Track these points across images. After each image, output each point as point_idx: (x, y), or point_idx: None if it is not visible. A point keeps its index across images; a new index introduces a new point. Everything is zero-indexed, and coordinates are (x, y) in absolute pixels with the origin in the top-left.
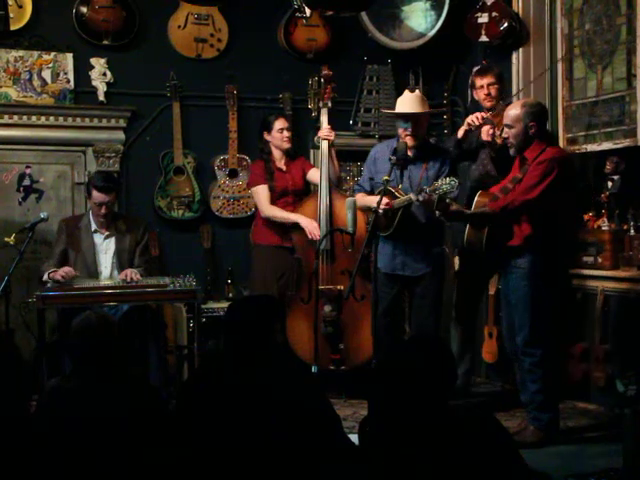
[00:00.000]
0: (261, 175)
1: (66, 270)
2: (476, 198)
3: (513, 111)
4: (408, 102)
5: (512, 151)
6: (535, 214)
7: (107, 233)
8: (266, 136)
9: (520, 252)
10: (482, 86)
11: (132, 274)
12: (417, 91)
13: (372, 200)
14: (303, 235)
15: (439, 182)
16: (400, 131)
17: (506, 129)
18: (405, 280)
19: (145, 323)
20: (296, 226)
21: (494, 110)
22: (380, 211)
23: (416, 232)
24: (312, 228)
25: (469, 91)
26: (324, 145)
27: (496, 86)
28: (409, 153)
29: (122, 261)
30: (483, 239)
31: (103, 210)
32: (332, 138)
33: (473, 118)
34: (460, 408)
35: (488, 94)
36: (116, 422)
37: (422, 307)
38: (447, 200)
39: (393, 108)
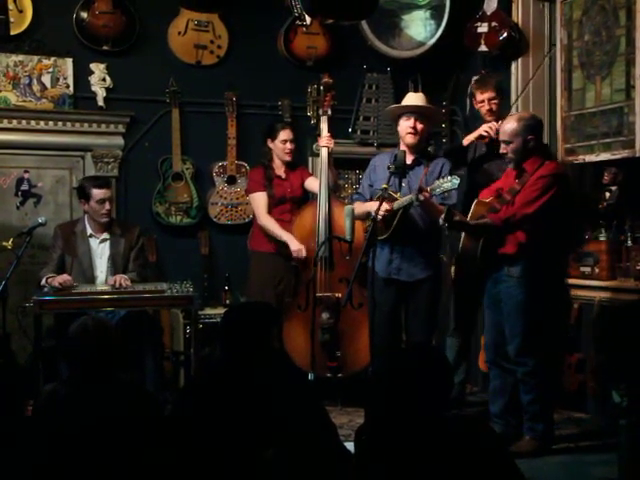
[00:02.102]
0: (260, 182)
1: (65, 278)
2: (473, 207)
3: (509, 126)
4: (414, 98)
5: (511, 165)
6: (531, 225)
7: (102, 237)
8: (269, 143)
9: (513, 261)
10: (483, 101)
11: (121, 280)
12: (420, 92)
13: (371, 206)
14: (301, 241)
15: (440, 181)
16: (402, 129)
17: (504, 145)
18: (401, 285)
19: (142, 328)
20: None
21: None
22: (379, 216)
23: (414, 236)
24: (298, 252)
25: (468, 100)
26: (324, 153)
27: (496, 101)
28: (408, 162)
29: (116, 265)
30: (479, 247)
31: (107, 206)
32: (332, 146)
33: (487, 129)
34: (456, 417)
35: (489, 109)
36: (112, 427)
37: (417, 315)
38: (452, 210)
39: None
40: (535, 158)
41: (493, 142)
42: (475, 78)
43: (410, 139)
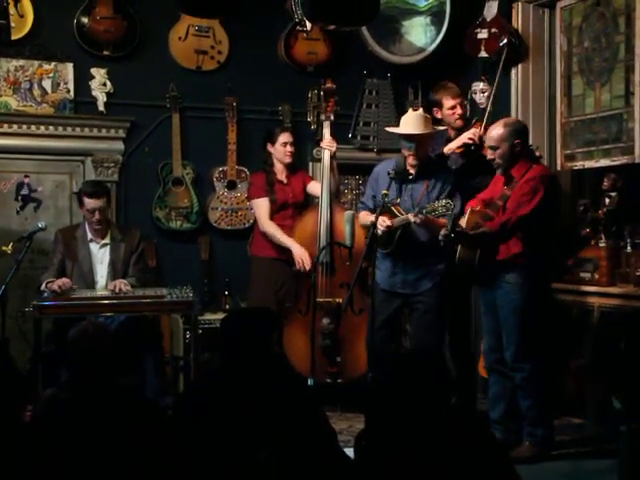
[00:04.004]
0: (262, 187)
1: (64, 281)
2: (466, 216)
3: (496, 131)
4: (412, 122)
5: (499, 171)
6: (524, 230)
7: (102, 242)
8: (269, 148)
9: (508, 267)
10: (454, 106)
11: (121, 285)
12: (420, 110)
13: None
14: (303, 246)
15: (436, 204)
16: (404, 151)
17: (490, 151)
18: (405, 297)
19: (141, 333)
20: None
21: (463, 129)
22: (379, 231)
23: (416, 250)
24: (303, 259)
25: (467, 106)
26: (326, 155)
27: (464, 104)
28: (411, 170)
29: (116, 270)
30: (476, 256)
31: (96, 216)
32: (334, 149)
33: (471, 135)
34: (456, 423)
35: (462, 113)
36: (112, 432)
37: (423, 323)
38: (457, 221)
39: (393, 124)
40: (522, 163)
41: (472, 152)
42: (440, 85)
43: (412, 160)
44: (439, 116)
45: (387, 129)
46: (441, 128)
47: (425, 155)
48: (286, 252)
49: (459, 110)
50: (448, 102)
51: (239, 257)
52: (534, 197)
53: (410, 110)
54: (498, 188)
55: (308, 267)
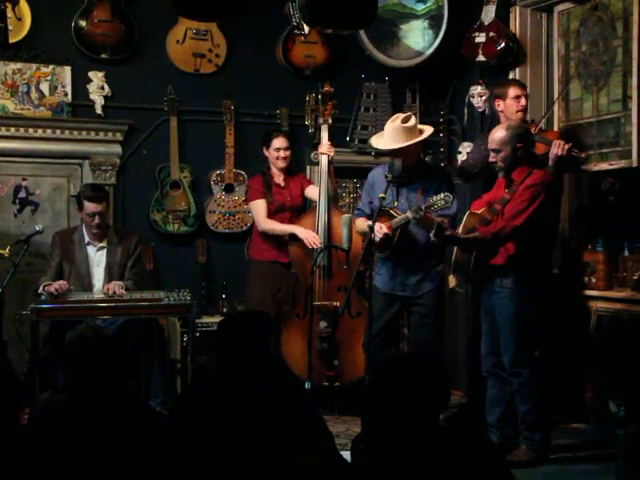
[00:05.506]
0: (259, 190)
1: (60, 283)
2: (464, 219)
3: (499, 134)
4: (388, 135)
5: (501, 175)
6: (521, 235)
7: (100, 245)
8: (265, 151)
9: (505, 272)
10: (520, 96)
11: (115, 287)
12: (398, 120)
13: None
14: (300, 249)
15: (434, 198)
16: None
17: (493, 154)
18: (405, 299)
19: (141, 336)
20: (294, 239)
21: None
22: (376, 239)
23: (415, 252)
24: (311, 237)
25: (466, 110)
26: (324, 160)
27: (528, 99)
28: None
29: (112, 274)
30: (471, 259)
31: (96, 220)
32: (332, 154)
33: (557, 152)
34: (452, 427)
35: (524, 106)
36: (109, 435)
37: (422, 326)
38: (442, 226)
39: None
40: (523, 167)
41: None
42: (500, 81)
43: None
44: (500, 108)
45: (371, 142)
46: (426, 134)
47: (412, 162)
48: (284, 255)
49: (523, 101)
50: (515, 91)
51: (236, 260)
52: (530, 206)
53: (388, 122)
54: (500, 191)
55: (318, 243)
